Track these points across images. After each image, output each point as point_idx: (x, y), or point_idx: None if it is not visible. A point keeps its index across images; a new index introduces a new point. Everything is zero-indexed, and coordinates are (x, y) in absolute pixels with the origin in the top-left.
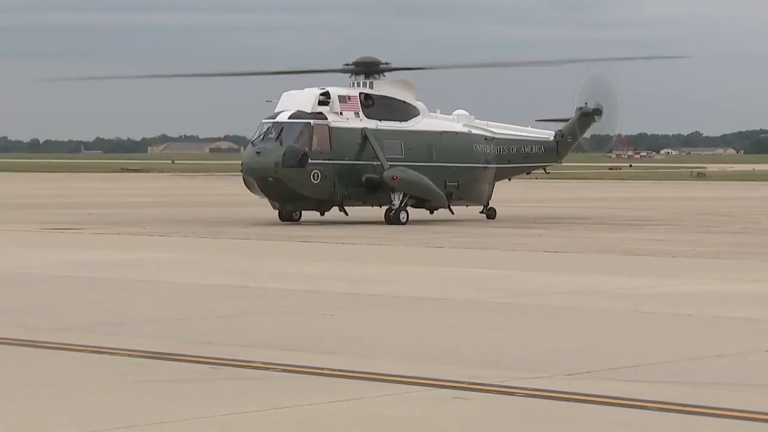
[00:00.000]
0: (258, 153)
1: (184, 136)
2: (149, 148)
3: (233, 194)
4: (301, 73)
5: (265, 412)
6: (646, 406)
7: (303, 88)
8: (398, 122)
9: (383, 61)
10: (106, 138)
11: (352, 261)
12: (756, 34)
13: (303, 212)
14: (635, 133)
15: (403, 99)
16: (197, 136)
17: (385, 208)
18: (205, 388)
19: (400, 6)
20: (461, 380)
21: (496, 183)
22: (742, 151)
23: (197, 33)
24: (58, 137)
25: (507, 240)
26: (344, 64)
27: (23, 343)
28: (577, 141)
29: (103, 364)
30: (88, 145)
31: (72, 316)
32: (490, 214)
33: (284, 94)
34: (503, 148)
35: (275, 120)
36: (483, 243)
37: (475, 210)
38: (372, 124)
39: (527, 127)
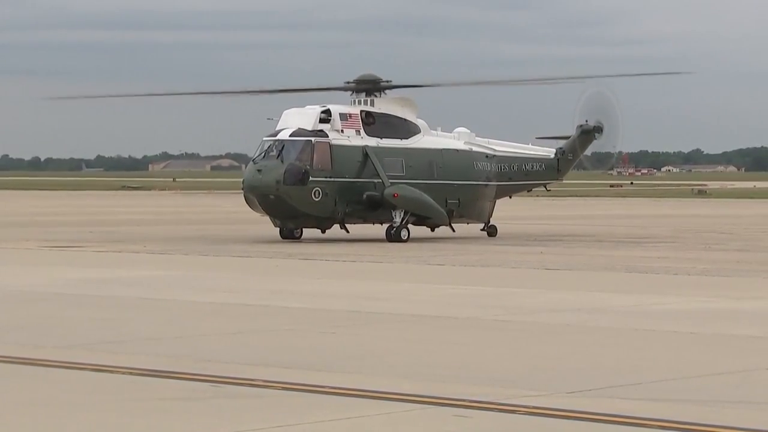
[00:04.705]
0: (259, 171)
1: (186, 153)
2: (150, 166)
3: (234, 212)
4: (302, 91)
5: (267, 430)
6: (648, 424)
7: (304, 106)
8: (399, 140)
9: (384, 79)
10: (107, 156)
11: (353, 278)
12: (757, 52)
13: (304, 230)
14: (636, 150)
15: (404, 117)
16: (198, 154)
17: (386, 225)
18: (206, 406)
19: (402, 24)
20: (462, 398)
21: (497, 200)
22: (743, 169)
23: (198, 51)
24: (59, 155)
25: (508, 258)
26: (345, 82)
27: (23, 362)
28: (578, 158)
29: (104, 382)
30: (89, 163)
31: (73, 334)
32: (491, 231)
33: (285, 111)
34: (504, 166)
35: (276, 138)
36: (484, 261)
37: (476, 227)
38: (373, 141)
39: (528, 144)
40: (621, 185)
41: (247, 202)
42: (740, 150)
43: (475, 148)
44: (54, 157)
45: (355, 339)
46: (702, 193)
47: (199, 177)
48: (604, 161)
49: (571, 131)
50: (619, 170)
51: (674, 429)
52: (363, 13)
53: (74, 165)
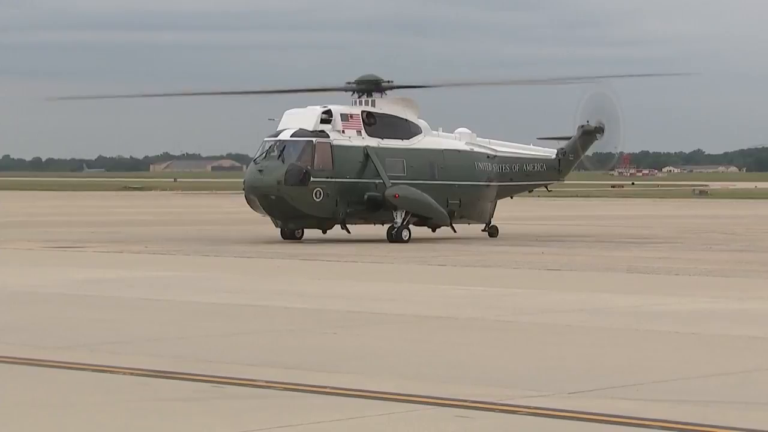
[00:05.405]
0: (260, 171)
1: (187, 154)
2: (152, 167)
3: (235, 212)
4: (303, 92)
5: (268, 430)
6: (650, 425)
7: (305, 107)
8: (400, 140)
9: (385, 80)
10: (108, 156)
11: (354, 279)
12: (757, 52)
13: (305, 230)
14: (637, 151)
15: (405, 117)
16: (200, 155)
17: (387, 226)
18: (207, 406)
19: (403, 24)
20: (464, 399)
21: (498, 201)
22: (744, 169)
23: (199, 51)
24: (61, 156)
25: (509, 258)
26: (346, 83)
27: (24, 362)
28: (579, 159)
29: (105, 382)
30: (90, 164)
31: (74, 334)
32: (492, 232)
33: (286, 112)
34: (505, 166)
35: (277, 138)
36: (485, 261)
37: (477, 228)
38: (374, 142)
39: (529, 145)
40: (622, 186)
41: (248, 203)
42: (741, 150)
43: (476, 149)
44: (55, 157)
45: (357, 339)
46: (703, 194)
47: (200, 177)
48: (605, 162)
49: (573, 132)
50: (620, 171)
51: (675, 429)
52: (364, 14)
53: (75, 165)
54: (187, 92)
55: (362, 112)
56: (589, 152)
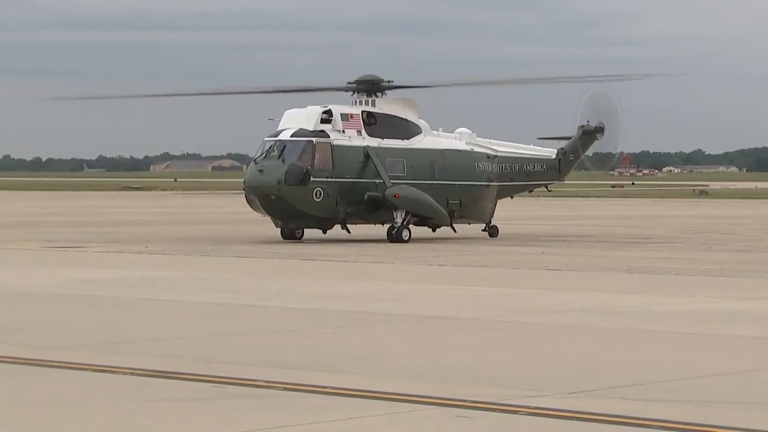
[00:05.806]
0: (260, 171)
1: (187, 154)
2: (152, 167)
3: (235, 212)
4: (303, 92)
5: (269, 430)
6: (650, 425)
7: (305, 106)
8: (400, 140)
9: (386, 80)
10: (108, 156)
11: (355, 279)
12: (758, 53)
13: (305, 230)
14: (637, 151)
15: (405, 117)
16: (200, 155)
17: (387, 226)
18: (208, 406)
19: (403, 24)
20: (464, 399)
21: (498, 201)
22: (744, 169)
23: (199, 51)
24: (61, 155)
25: (509, 258)
26: (347, 83)
27: (25, 362)
28: (579, 159)
29: (105, 382)
30: (90, 164)
31: (74, 334)
32: (493, 232)
33: (286, 112)
34: (505, 166)
35: (278, 138)
36: (485, 261)
37: (477, 228)
38: (374, 142)
39: (529, 145)
40: (622, 186)
41: (248, 203)
42: (742, 150)
43: (476, 149)
44: (55, 157)
45: (357, 339)
46: (703, 194)
47: (200, 177)
48: (605, 162)
49: (573, 132)
50: (620, 171)
51: (676, 429)
52: (364, 14)
53: (76, 165)
54: (187, 92)
55: (362, 112)
56: (590, 152)
